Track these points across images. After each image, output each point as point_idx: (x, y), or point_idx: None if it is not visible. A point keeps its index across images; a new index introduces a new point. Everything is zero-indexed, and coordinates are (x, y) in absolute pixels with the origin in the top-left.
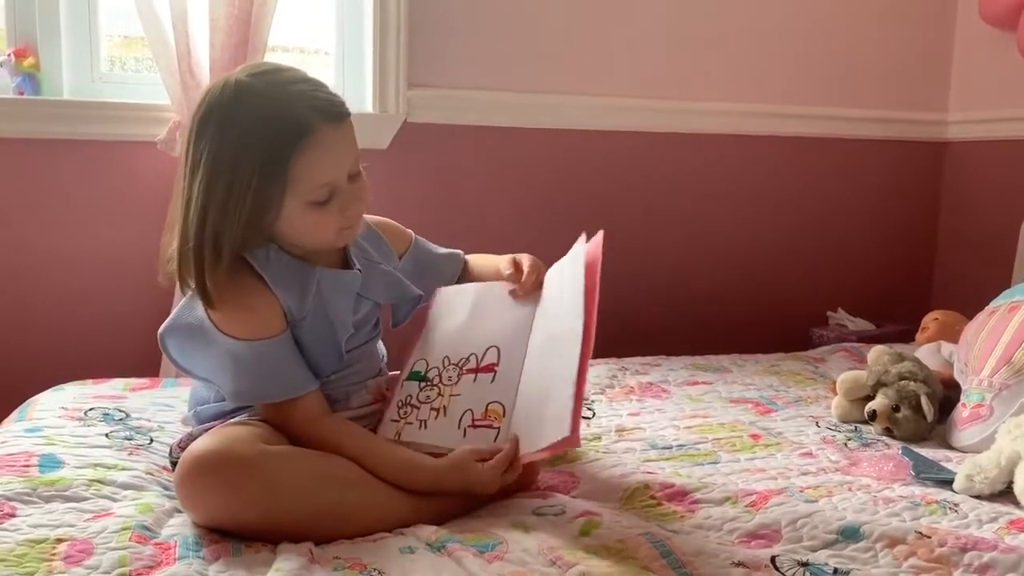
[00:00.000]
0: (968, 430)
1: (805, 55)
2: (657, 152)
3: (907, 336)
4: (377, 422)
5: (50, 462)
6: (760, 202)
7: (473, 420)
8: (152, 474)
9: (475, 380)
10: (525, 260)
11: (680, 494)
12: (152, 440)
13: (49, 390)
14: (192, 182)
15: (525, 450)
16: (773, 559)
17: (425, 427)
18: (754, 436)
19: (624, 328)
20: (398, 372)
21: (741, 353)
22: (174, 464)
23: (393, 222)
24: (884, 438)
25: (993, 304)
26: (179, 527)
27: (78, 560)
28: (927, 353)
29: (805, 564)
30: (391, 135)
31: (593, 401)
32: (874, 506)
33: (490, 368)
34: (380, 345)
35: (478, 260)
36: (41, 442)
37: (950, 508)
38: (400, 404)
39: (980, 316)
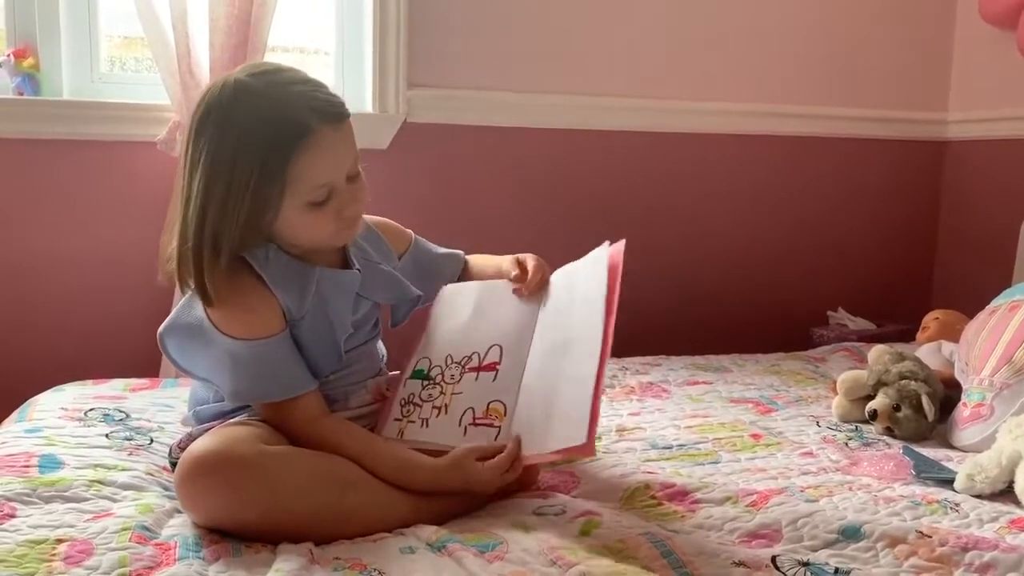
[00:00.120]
0: (969, 429)
1: (805, 55)
2: (657, 152)
3: (908, 335)
4: (377, 421)
5: (50, 463)
6: (760, 202)
7: (474, 418)
8: (152, 474)
9: (477, 378)
10: (530, 260)
11: (681, 494)
12: (152, 440)
13: (49, 391)
14: (191, 181)
15: (530, 450)
16: (774, 559)
17: (427, 425)
18: (755, 436)
19: (624, 328)
20: (398, 372)
21: (741, 353)
22: (173, 464)
23: (393, 222)
24: (885, 438)
25: (994, 303)
26: (179, 527)
27: (78, 561)
28: (928, 352)
29: (806, 564)
30: (391, 135)
31: None
32: (875, 506)
33: (492, 367)
34: (380, 345)
35: (479, 260)
36: (41, 443)
37: (951, 507)
38: (403, 402)
39: (981, 315)
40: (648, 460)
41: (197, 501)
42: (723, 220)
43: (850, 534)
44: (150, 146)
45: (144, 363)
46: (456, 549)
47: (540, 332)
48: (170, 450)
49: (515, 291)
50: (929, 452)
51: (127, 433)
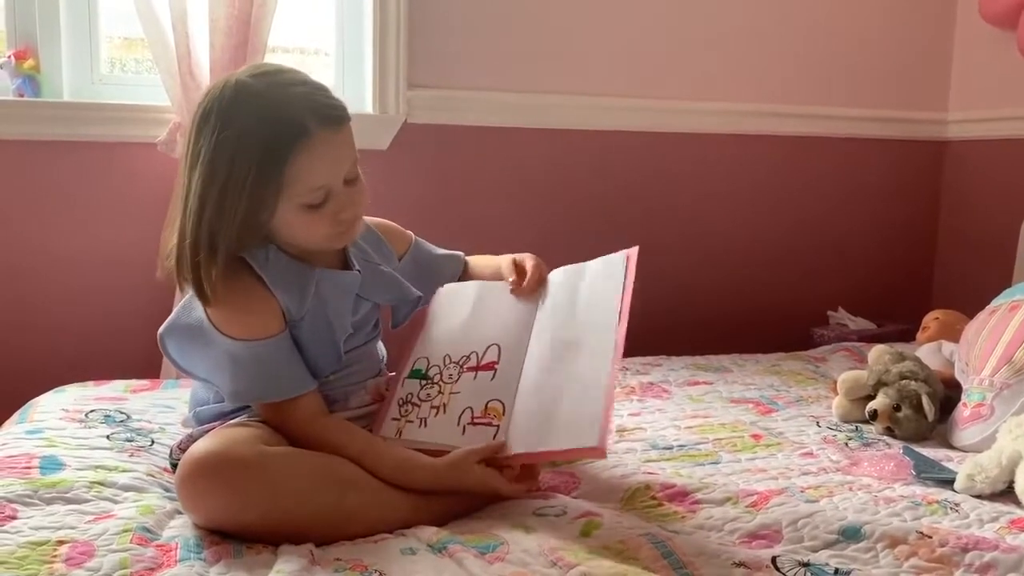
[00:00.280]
0: (969, 429)
1: (805, 54)
2: (657, 152)
3: (908, 335)
4: (374, 421)
5: (51, 464)
6: (760, 201)
7: (472, 418)
8: (153, 476)
9: (475, 378)
10: (528, 260)
11: (681, 494)
12: (153, 442)
13: (50, 392)
14: (190, 179)
15: (529, 448)
16: (774, 559)
17: (425, 425)
18: (755, 436)
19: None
20: (395, 373)
21: (742, 353)
22: (174, 466)
23: (393, 224)
24: (885, 438)
25: (994, 303)
26: (180, 529)
27: (79, 562)
28: (928, 352)
29: (806, 564)
30: (391, 136)
31: None
32: (875, 506)
33: (490, 366)
34: (380, 346)
35: (478, 261)
36: (42, 444)
37: (951, 508)
38: (401, 402)
39: (981, 315)
40: (648, 461)
41: (198, 502)
42: (723, 220)
43: (850, 534)
44: (150, 147)
45: (145, 364)
46: (457, 550)
47: (538, 331)
48: (171, 451)
49: (512, 291)
50: (929, 452)
51: (128, 434)
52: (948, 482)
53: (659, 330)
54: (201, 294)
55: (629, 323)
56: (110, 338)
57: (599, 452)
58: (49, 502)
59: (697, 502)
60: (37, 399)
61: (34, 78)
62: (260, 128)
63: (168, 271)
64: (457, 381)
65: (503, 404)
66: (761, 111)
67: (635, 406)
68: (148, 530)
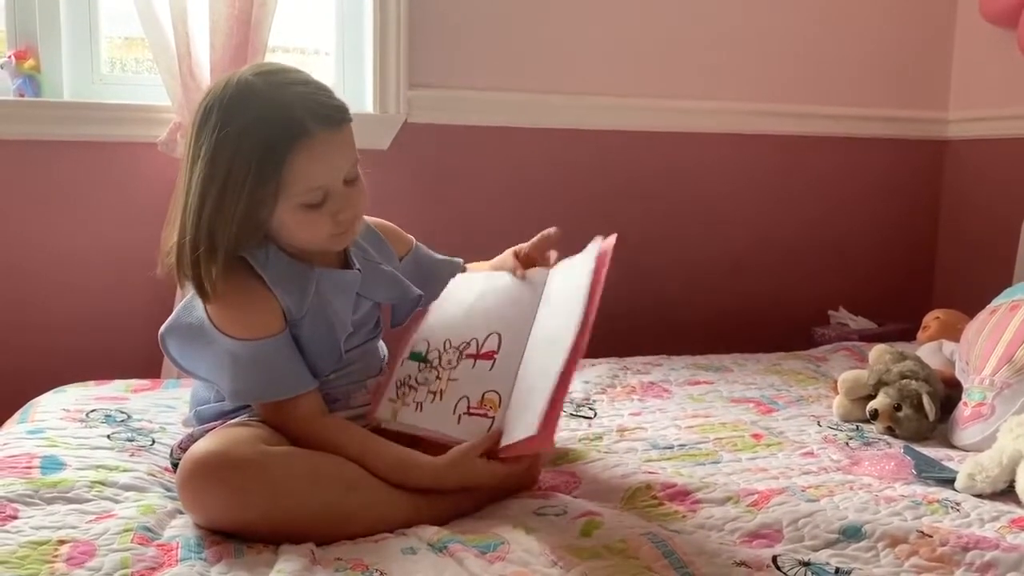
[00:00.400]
0: (970, 429)
1: (805, 54)
2: (658, 151)
3: (908, 335)
4: (372, 400)
5: (52, 464)
6: (760, 201)
7: (468, 407)
8: (154, 475)
9: (474, 366)
10: (526, 246)
11: (682, 494)
12: (154, 441)
13: (50, 392)
14: (191, 176)
15: (505, 443)
16: (775, 559)
17: (421, 410)
18: (755, 436)
19: (625, 327)
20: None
21: (742, 352)
22: (175, 465)
23: (394, 226)
24: (886, 437)
25: (994, 303)
26: (181, 528)
27: (80, 562)
28: (928, 352)
29: (807, 564)
30: (391, 135)
31: (594, 401)
32: (876, 505)
33: (489, 355)
34: (381, 345)
35: (479, 267)
36: (43, 444)
37: (952, 507)
38: (398, 383)
39: (981, 315)
40: (649, 460)
41: (199, 502)
42: (723, 219)
43: (851, 534)
44: (151, 147)
45: (145, 364)
46: (457, 549)
47: (538, 324)
48: (171, 451)
49: (516, 275)
50: (930, 452)
51: (129, 434)
52: (949, 481)
53: (659, 329)
54: (201, 291)
55: (629, 323)
56: (111, 338)
57: (539, 441)
58: (50, 502)
59: (698, 501)
60: (38, 399)
61: (34, 78)
62: (260, 127)
63: (168, 268)
64: (456, 367)
65: (499, 396)
66: (761, 110)
67: (636, 406)
68: (149, 530)
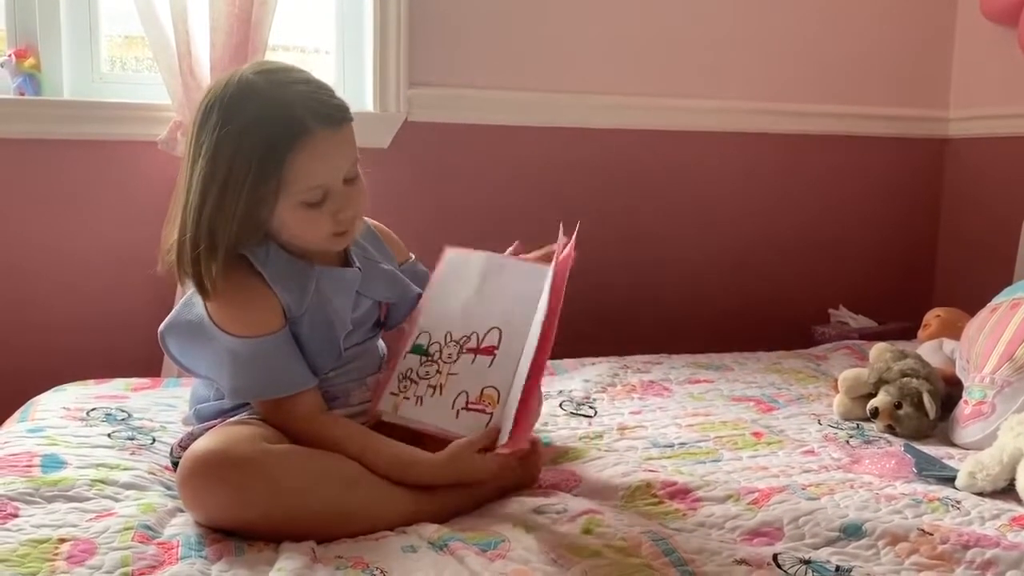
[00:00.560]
0: (970, 427)
1: (806, 52)
2: (658, 150)
3: (909, 333)
4: (374, 393)
5: (52, 462)
6: (761, 199)
7: (467, 403)
8: (154, 474)
9: (473, 361)
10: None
11: (682, 492)
12: (154, 440)
13: (51, 390)
14: (192, 173)
15: (500, 440)
16: (775, 557)
17: (421, 403)
18: (756, 434)
19: (625, 326)
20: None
21: (742, 351)
22: (175, 464)
23: (394, 235)
24: (886, 435)
25: (995, 301)
26: (181, 527)
27: (81, 560)
28: (929, 350)
29: (807, 562)
30: (392, 134)
31: (595, 399)
32: (876, 503)
33: (490, 351)
34: (380, 343)
35: None
36: (43, 442)
37: (952, 505)
38: (400, 377)
39: (982, 313)
40: (649, 458)
41: (199, 500)
42: (724, 218)
43: (852, 532)
44: (151, 146)
45: (146, 363)
46: (458, 547)
47: (535, 322)
48: (171, 449)
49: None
50: (930, 450)
51: (129, 433)
52: (949, 480)
53: (660, 327)
54: (201, 288)
55: (629, 320)
56: (111, 336)
57: (512, 444)
58: (50, 500)
59: (698, 500)
60: (38, 398)
61: (34, 77)
62: (261, 125)
63: (169, 266)
64: (456, 362)
65: (498, 392)
66: (762, 109)
67: (636, 404)
68: (149, 528)
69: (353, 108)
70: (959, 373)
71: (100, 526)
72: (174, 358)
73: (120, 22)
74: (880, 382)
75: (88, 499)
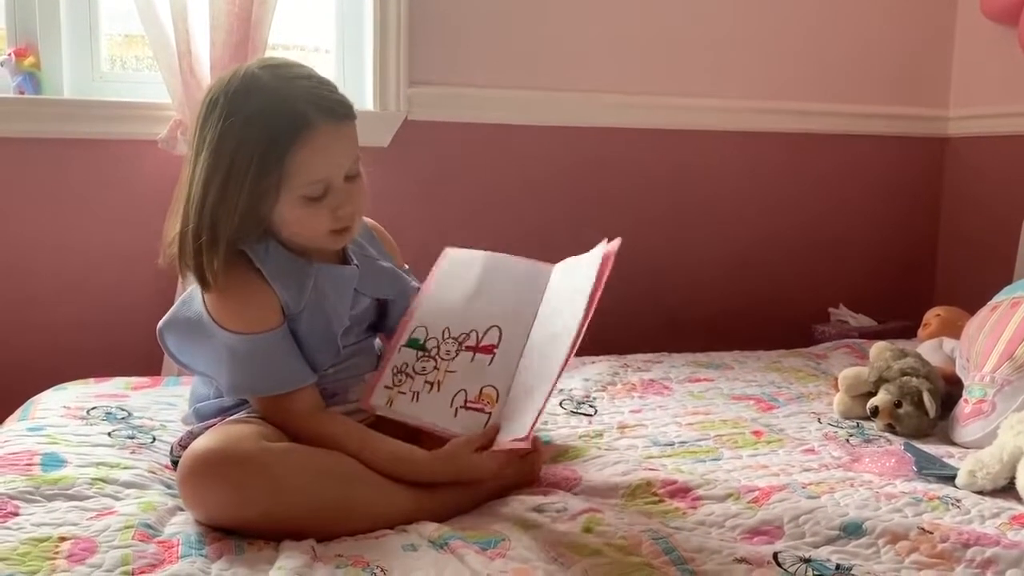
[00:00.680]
0: (970, 426)
1: (806, 51)
2: (659, 149)
3: (909, 332)
4: (367, 386)
5: (53, 461)
6: (761, 198)
7: (466, 401)
8: (155, 472)
9: (473, 359)
10: None
11: (682, 491)
12: (154, 439)
13: (51, 389)
14: (195, 165)
15: (501, 439)
16: (775, 555)
17: (417, 400)
18: (756, 432)
19: (625, 325)
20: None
21: (742, 350)
22: (175, 463)
23: (393, 241)
24: (886, 434)
25: (995, 300)
26: (182, 525)
27: (81, 558)
28: (929, 349)
29: (807, 560)
30: (392, 133)
31: (595, 398)
32: (876, 502)
33: (489, 349)
34: (377, 340)
35: None
36: (44, 441)
37: (952, 504)
38: (395, 371)
39: (982, 312)
40: (650, 457)
41: (199, 499)
42: (724, 217)
43: (852, 530)
44: (151, 144)
45: (146, 361)
46: (458, 546)
47: (538, 322)
48: (171, 448)
49: None
50: (931, 448)
51: (129, 431)
52: (949, 478)
53: (660, 327)
54: (202, 280)
55: (629, 319)
56: (111, 335)
57: (525, 442)
58: (51, 499)
59: (698, 498)
60: (38, 396)
61: (34, 75)
62: (265, 118)
63: (170, 258)
64: (454, 359)
65: (497, 391)
66: (762, 108)
67: (636, 403)
68: (150, 526)
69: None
70: (959, 372)
71: (100, 524)
72: (172, 355)
73: (120, 21)
74: (880, 381)
75: (88, 498)
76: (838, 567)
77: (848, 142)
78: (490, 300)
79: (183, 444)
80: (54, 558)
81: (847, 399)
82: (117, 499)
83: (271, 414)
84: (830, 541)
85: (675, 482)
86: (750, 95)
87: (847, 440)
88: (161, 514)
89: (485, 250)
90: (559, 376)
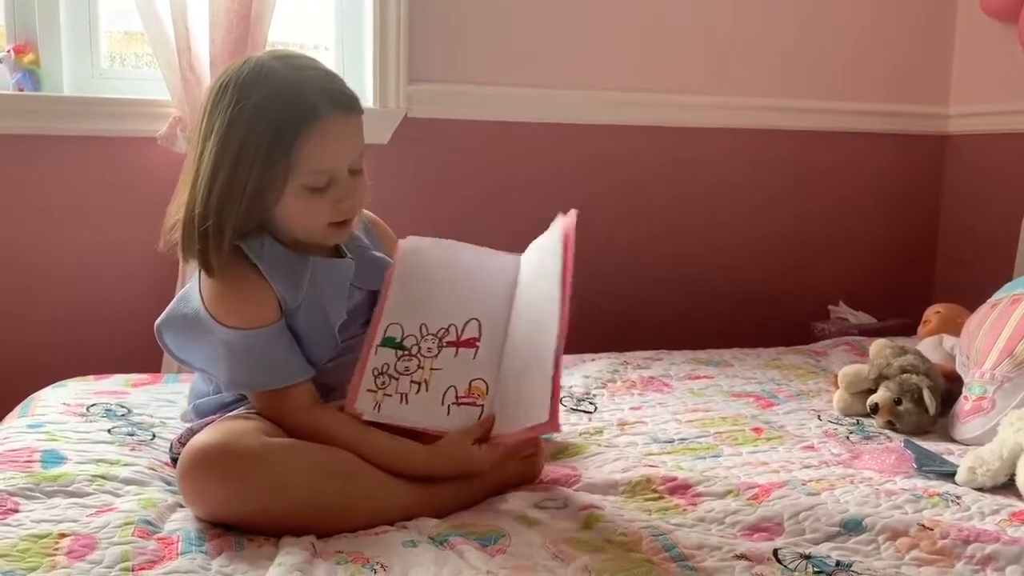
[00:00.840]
0: (970, 423)
1: (807, 49)
2: (659, 146)
3: (909, 329)
4: (348, 391)
5: (53, 458)
6: (761, 196)
7: (457, 397)
8: (154, 469)
9: (456, 355)
10: None
11: (682, 487)
12: (154, 436)
13: (51, 386)
14: (203, 152)
15: (501, 430)
16: (775, 552)
17: (406, 401)
18: (756, 429)
19: (625, 322)
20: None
21: (742, 347)
22: (174, 460)
23: (392, 233)
24: (886, 431)
25: (995, 297)
26: (181, 522)
27: (81, 555)
28: (929, 346)
29: (807, 557)
30: (391, 130)
31: (595, 395)
32: (876, 499)
33: (471, 343)
34: None
35: None
36: (44, 438)
37: (952, 500)
38: (376, 373)
39: (982, 309)
40: (649, 454)
41: (199, 494)
42: (724, 214)
43: (852, 527)
44: (151, 141)
45: (146, 358)
46: (458, 542)
47: (515, 310)
48: (171, 446)
49: None
50: (930, 445)
51: (129, 428)
52: (949, 475)
53: (660, 324)
54: (206, 265)
55: (629, 317)
56: (111, 332)
57: (552, 426)
58: (50, 495)
59: (698, 495)
60: (38, 393)
61: (34, 72)
62: (274, 105)
63: (171, 244)
64: (437, 356)
65: (486, 383)
66: (762, 105)
67: (636, 400)
68: (150, 523)
69: None
70: (959, 369)
71: (100, 521)
72: (171, 352)
73: (120, 18)
74: (880, 378)
75: (88, 494)
76: (838, 564)
77: (848, 139)
78: (462, 292)
79: (182, 441)
80: (54, 554)
81: (847, 396)
82: (117, 496)
83: (268, 409)
84: (830, 538)
85: (675, 479)
86: (750, 92)
87: (847, 437)
88: (161, 511)
89: (483, 245)
90: (558, 358)
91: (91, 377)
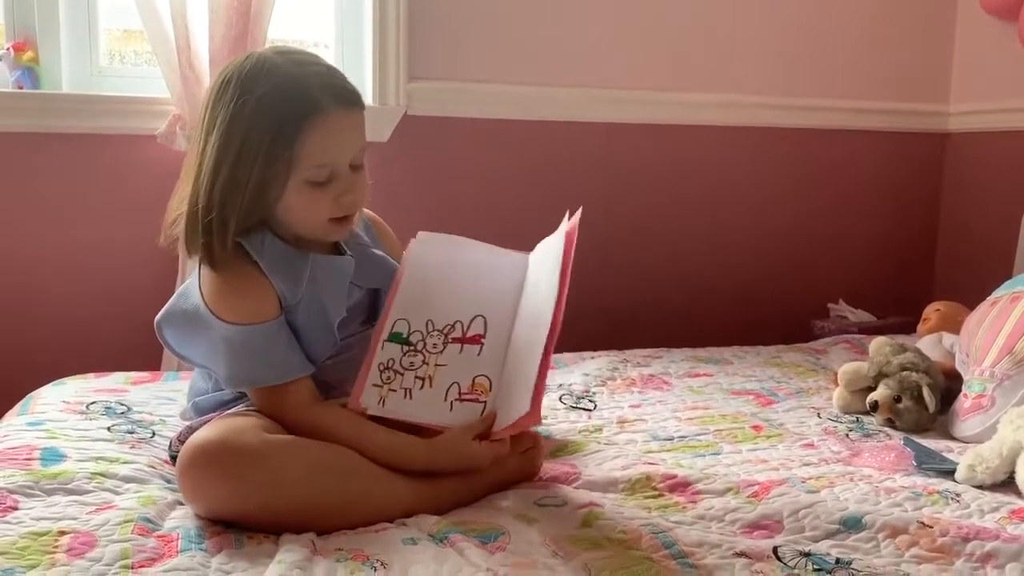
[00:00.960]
0: (970, 420)
1: (806, 47)
2: (659, 144)
3: (909, 327)
4: (354, 386)
5: (52, 455)
6: (760, 194)
7: (460, 394)
8: (154, 467)
9: (461, 351)
10: None
11: (682, 485)
12: (154, 434)
13: (50, 384)
14: (206, 146)
15: (500, 426)
16: (775, 549)
17: (410, 397)
18: (756, 427)
19: (625, 320)
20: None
21: (742, 345)
22: (173, 458)
23: (392, 233)
24: (886, 429)
25: (995, 295)
26: (181, 519)
27: (81, 552)
28: (929, 344)
29: (807, 554)
30: (391, 128)
31: (594, 393)
32: (876, 496)
33: (476, 340)
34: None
35: None
36: (43, 436)
37: (952, 498)
38: (382, 367)
39: (982, 307)
40: (649, 451)
41: (199, 492)
42: (723, 212)
43: (851, 525)
44: (150, 139)
45: (146, 356)
46: (458, 540)
47: (521, 307)
48: (170, 443)
49: None
50: (930, 443)
51: (129, 426)
52: (949, 473)
53: (660, 322)
54: (209, 257)
55: (629, 315)
56: (111, 330)
57: (532, 418)
58: (50, 493)
59: (698, 492)
60: (38, 391)
61: (33, 70)
62: (277, 99)
63: (172, 238)
64: (442, 352)
65: (489, 380)
66: (762, 103)
67: (636, 398)
68: (149, 521)
69: None
70: (959, 367)
71: (100, 519)
72: (170, 347)
73: (119, 16)
74: (880, 376)
75: (88, 492)
76: (838, 561)
77: (849, 137)
78: (469, 289)
79: (182, 439)
80: (53, 552)
81: (846, 394)
82: (117, 493)
83: (268, 406)
84: (830, 535)
85: (675, 476)
86: (750, 91)
87: (847, 435)
88: (161, 508)
89: (456, 235)
90: (547, 351)
91: (91, 375)
